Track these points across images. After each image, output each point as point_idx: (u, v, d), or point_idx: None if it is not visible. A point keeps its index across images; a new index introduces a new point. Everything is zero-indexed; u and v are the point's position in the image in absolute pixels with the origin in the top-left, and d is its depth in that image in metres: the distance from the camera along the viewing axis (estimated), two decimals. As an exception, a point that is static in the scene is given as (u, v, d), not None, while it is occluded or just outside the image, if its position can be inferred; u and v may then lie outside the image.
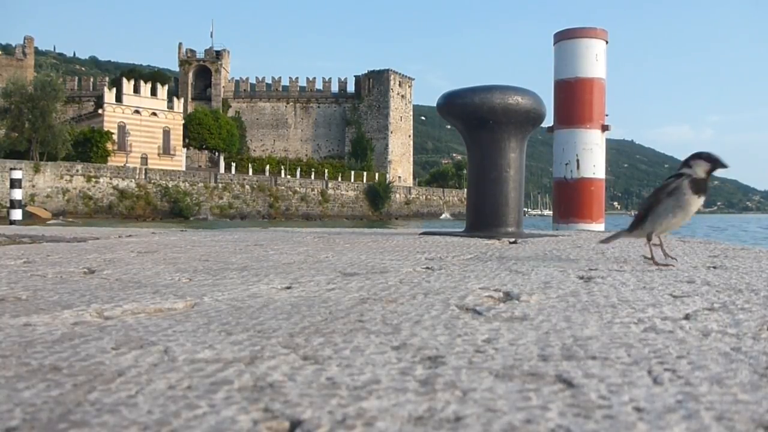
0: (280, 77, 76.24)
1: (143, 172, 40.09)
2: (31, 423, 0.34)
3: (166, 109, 50.69)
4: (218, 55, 73.14)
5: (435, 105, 2.77)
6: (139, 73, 63.77)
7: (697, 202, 1.32)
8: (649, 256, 1.39)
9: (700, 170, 1.32)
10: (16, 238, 2.57)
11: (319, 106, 76.46)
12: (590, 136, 4.11)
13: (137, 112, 47.19)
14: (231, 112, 72.98)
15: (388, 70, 71.25)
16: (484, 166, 2.64)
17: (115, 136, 44.17)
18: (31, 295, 0.90)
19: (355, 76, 75.54)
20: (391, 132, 72.96)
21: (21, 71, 52.60)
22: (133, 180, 38.94)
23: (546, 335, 0.60)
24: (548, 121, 4.04)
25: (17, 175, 6.88)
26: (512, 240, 2.28)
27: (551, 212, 4.60)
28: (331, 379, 0.43)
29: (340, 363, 0.47)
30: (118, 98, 46.48)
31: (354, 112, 74.68)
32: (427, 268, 1.30)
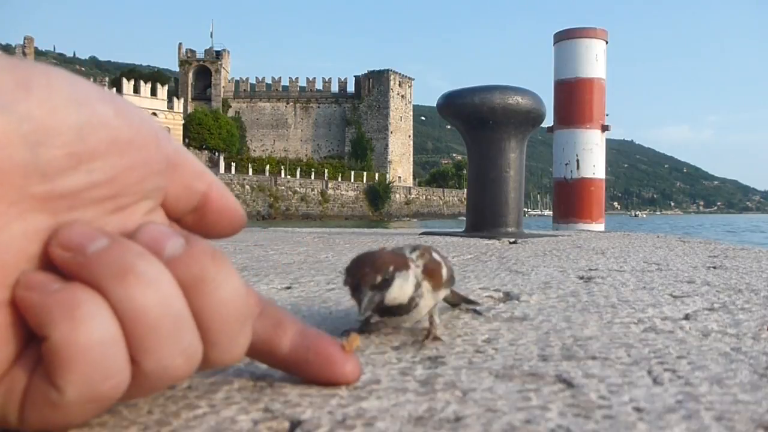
0: (280, 77, 76.24)
1: (143, 172, 40.14)
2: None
3: (166, 110, 50.74)
4: (218, 55, 73.10)
5: (435, 105, 2.77)
6: (139, 74, 63.83)
7: None
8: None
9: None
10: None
11: (319, 106, 76.40)
12: (590, 136, 4.12)
13: (137, 112, 47.36)
14: (231, 113, 72.94)
15: (388, 70, 71.30)
16: (484, 166, 2.65)
17: (115, 136, 44.25)
18: (31, 295, 0.90)
19: (355, 76, 75.56)
20: (391, 132, 72.95)
21: (21, 71, 52.49)
22: (133, 180, 38.98)
23: (546, 335, 0.60)
24: (548, 121, 4.04)
25: (17, 175, 6.87)
26: (512, 240, 2.28)
27: (551, 212, 4.60)
28: (331, 379, 0.43)
29: (340, 363, 0.47)
30: (118, 98, 46.60)
31: (354, 112, 74.62)
32: (427, 268, 1.30)
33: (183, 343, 0.29)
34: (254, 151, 71.77)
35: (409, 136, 75.44)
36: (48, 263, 0.28)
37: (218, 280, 0.30)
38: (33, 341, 0.28)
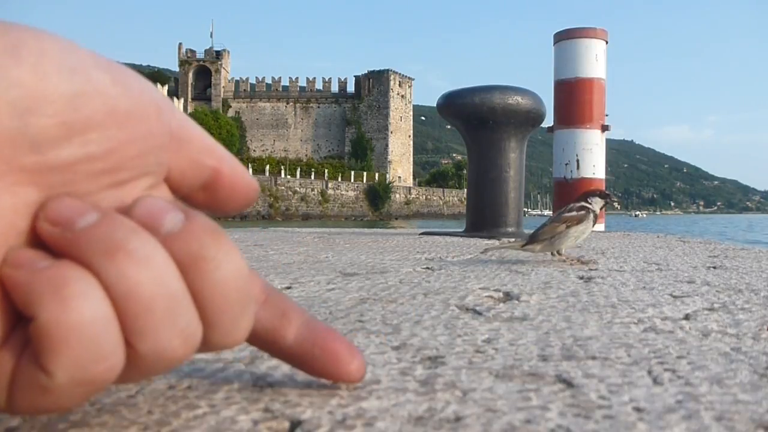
0: (280, 77, 76.13)
1: (143, 172, 40.17)
2: (31, 423, 0.34)
3: (166, 109, 50.60)
4: (218, 55, 73.01)
5: (435, 105, 2.77)
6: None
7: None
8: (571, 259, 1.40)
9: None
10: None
11: (319, 106, 76.31)
12: (590, 136, 4.11)
13: (137, 112, 47.58)
14: (231, 113, 72.85)
15: (388, 70, 71.22)
16: (484, 166, 2.65)
17: (115, 136, 44.37)
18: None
19: (355, 76, 75.46)
20: (391, 132, 72.86)
21: (21, 71, 52.68)
22: (133, 180, 39.01)
23: (546, 335, 0.60)
24: (548, 121, 4.04)
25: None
26: (512, 240, 2.28)
27: (551, 212, 4.60)
28: (331, 379, 0.43)
29: (340, 363, 0.47)
30: (118, 98, 46.83)
31: (354, 112, 74.52)
32: (427, 268, 1.30)
33: (180, 324, 0.28)
34: (254, 151, 71.74)
35: (409, 136, 75.39)
36: (39, 240, 0.27)
37: (218, 259, 0.29)
38: (21, 322, 0.26)
